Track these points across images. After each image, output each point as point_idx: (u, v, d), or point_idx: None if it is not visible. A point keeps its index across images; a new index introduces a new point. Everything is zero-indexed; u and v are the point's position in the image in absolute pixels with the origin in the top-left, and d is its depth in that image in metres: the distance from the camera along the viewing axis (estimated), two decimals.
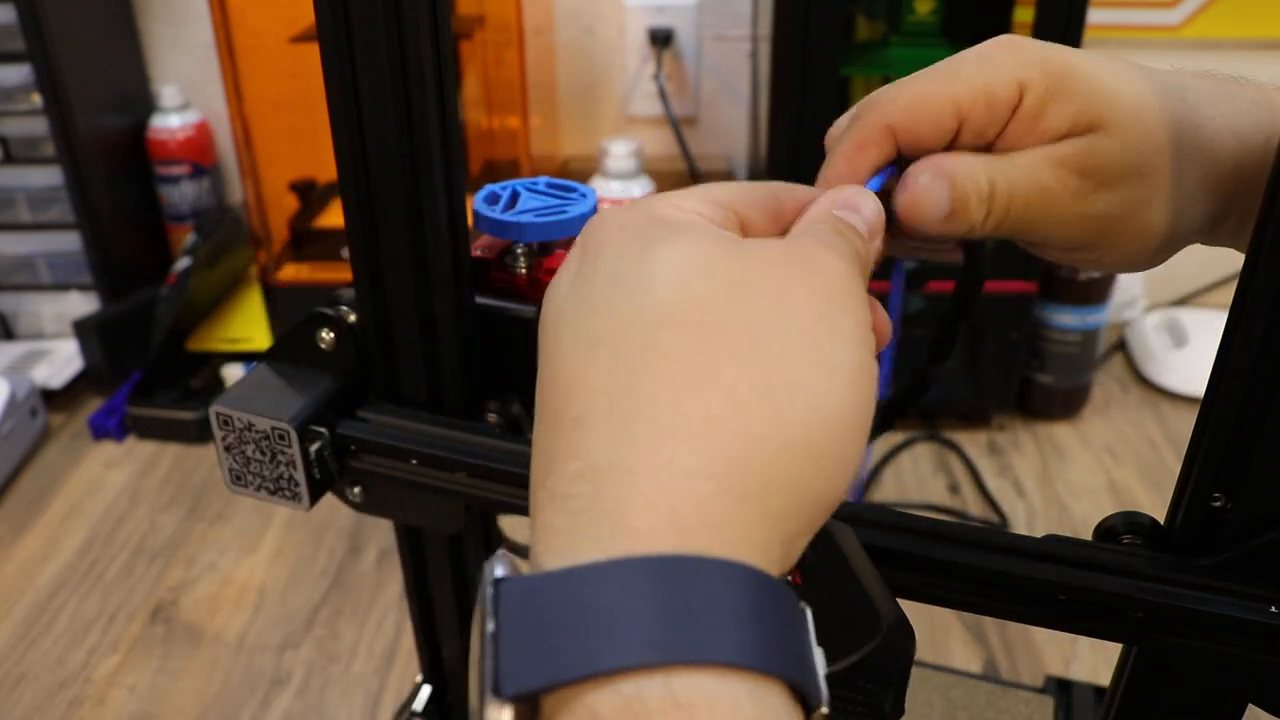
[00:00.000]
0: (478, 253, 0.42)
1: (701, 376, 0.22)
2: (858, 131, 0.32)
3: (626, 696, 0.19)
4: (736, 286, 0.24)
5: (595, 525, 0.21)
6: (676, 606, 0.20)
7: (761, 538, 0.22)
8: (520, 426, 0.43)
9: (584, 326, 0.24)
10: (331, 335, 0.42)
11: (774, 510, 0.22)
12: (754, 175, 1.24)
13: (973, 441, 1.14)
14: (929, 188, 0.32)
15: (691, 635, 0.20)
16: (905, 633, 0.29)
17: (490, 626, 0.20)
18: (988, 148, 0.33)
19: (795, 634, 0.21)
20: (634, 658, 0.19)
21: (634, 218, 0.26)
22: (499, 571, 0.21)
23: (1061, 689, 0.66)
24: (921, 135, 0.32)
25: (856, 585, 0.30)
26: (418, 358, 0.42)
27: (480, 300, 0.42)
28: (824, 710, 0.21)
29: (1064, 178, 0.32)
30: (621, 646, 0.19)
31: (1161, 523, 0.34)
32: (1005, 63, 0.32)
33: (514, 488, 0.40)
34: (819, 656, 0.21)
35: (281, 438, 0.40)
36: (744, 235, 0.28)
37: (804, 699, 0.21)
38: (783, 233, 0.29)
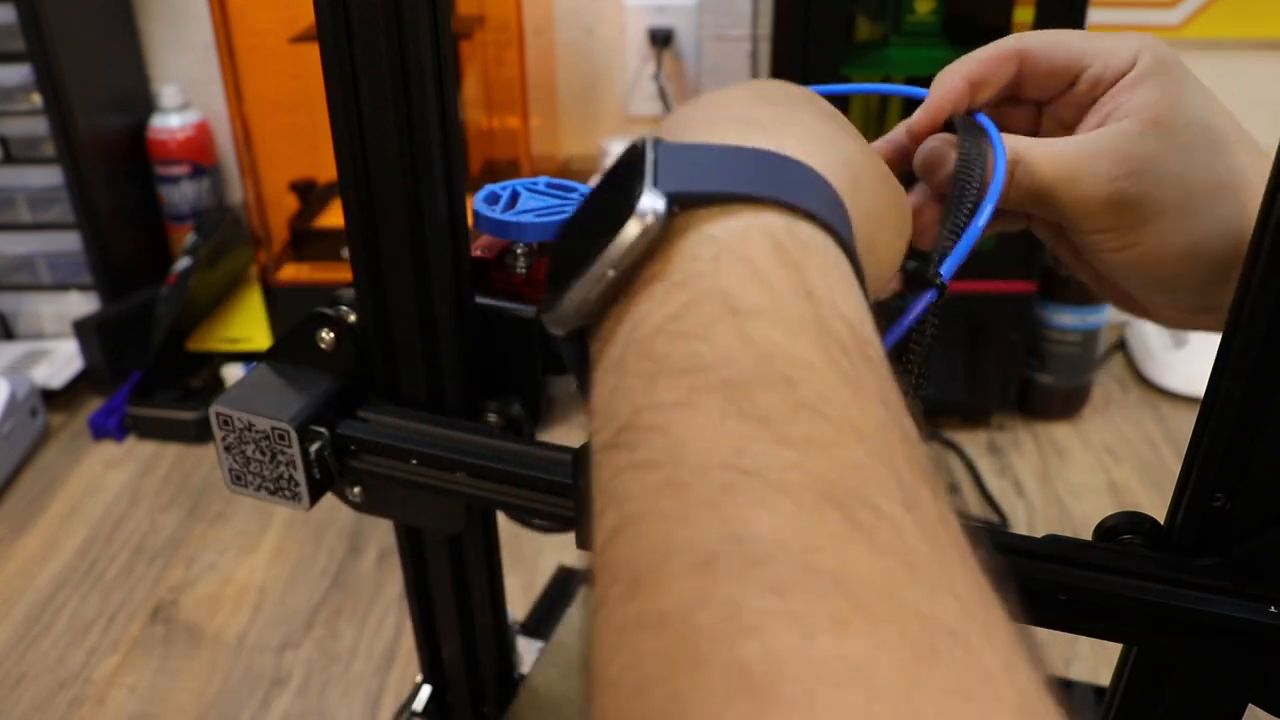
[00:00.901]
0: (478, 253, 0.42)
1: (815, 123, 0.30)
2: (993, 46, 0.39)
3: (766, 227, 0.24)
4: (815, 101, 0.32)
5: (752, 140, 0.27)
6: (818, 183, 0.26)
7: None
8: (520, 427, 0.43)
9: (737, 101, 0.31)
10: (331, 335, 0.42)
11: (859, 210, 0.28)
12: None
13: (973, 441, 1.14)
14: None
15: (816, 198, 0.26)
16: None
17: (650, 154, 0.25)
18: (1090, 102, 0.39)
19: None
20: (770, 192, 0.24)
21: None
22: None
23: (1061, 689, 0.66)
24: (1042, 68, 0.39)
25: None
26: (418, 358, 0.42)
27: (480, 300, 0.42)
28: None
29: (1100, 166, 0.37)
30: (759, 184, 0.25)
31: (1161, 523, 0.34)
32: (1131, 40, 0.38)
33: (514, 488, 0.40)
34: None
35: (281, 438, 0.40)
36: None
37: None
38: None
